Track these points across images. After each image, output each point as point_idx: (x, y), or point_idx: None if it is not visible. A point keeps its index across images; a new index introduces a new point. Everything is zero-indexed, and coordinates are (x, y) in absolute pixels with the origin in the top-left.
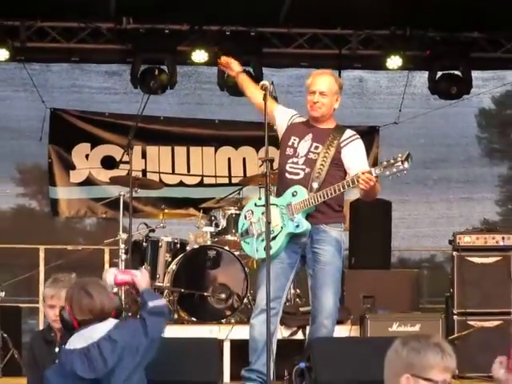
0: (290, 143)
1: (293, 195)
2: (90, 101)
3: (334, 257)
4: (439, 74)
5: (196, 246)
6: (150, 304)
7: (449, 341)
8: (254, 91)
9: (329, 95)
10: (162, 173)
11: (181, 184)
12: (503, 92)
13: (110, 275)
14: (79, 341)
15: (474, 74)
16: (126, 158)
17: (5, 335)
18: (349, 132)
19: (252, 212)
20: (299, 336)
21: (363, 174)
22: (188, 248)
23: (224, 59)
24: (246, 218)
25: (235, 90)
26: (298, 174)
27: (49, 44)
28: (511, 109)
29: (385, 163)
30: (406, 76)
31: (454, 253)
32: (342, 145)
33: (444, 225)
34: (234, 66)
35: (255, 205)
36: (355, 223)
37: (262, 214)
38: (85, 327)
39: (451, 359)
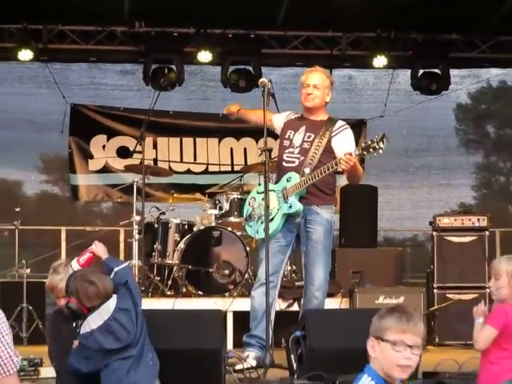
0: (286, 136)
1: (287, 180)
2: (106, 97)
3: (325, 236)
4: (421, 72)
5: (202, 227)
6: (116, 269)
7: (430, 312)
8: (253, 114)
9: (321, 88)
10: (171, 161)
11: (188, 171)
12: (478, 88)
13: (74, 264)
14: (94, 321)
15: (452, 72)
16: (138, 148)
17: (30, 307)
18: (340, 123)
19: (255, 199)
20: (295, 308)
21: (344, 155)
22: (195, 229)
23: (225, 110)
24: (249, 204)
25: (237, 87)
26: (293, 162)
27: (69, 45)
28: (486, 103)
29: (363, 145)
30: (391, 74)
31: (434, 233)
32: (332, 134)
33: (425, 208)
34: (232, 109)
35: (257, 192)
36: (345, 206)
37: (262, 199)
38: (92, 311)
39: (409, 323)
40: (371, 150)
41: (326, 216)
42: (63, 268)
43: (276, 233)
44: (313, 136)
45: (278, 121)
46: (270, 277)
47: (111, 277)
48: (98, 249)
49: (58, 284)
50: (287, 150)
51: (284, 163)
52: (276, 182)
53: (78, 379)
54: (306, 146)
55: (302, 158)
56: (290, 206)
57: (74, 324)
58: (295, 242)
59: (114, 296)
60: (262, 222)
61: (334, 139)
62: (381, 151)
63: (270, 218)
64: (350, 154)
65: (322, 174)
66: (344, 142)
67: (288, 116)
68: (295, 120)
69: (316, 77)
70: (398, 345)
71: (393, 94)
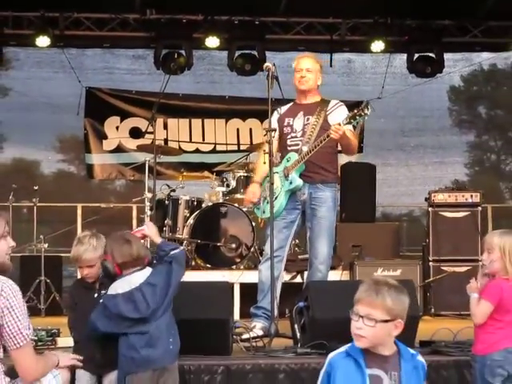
0: (285, 124)
1: (287, 160)
2: (119, 80)
3: (329, 212)
4: (416, 56)
5: (210, 204)
6: (172, 253)
7: (426, 284)
8: (261, 169)
9: (313, 71)
10: (181, 141)
11: (197, 151)
12: (470, 71)
13: None
14: (122, 286)
15: (446, 55)
16: (150, 129)
17: (48, 280)
18: (333, 101)
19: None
20: (298, 280)
21: (333, 125)
22: (203, 205)
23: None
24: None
25: (242, 71)
26: (297, 144)
27: (84, 32)
28: (477, 86)
29: (350, 114)
30: (388, 58)
31: (429, 208)
32: (328, 113)
33: (420, 184)
34: (251, 196)
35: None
36: (345, 183)
37: (267, 182)
38: (126, 274)
39: (366, 294)
40: (357, 117)
41: (330, 193)
42: (88, 239)
43: (281, 210)
44: (311, 117)
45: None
46: (276, 251)
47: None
48: (150, 231)
49: (82, 254)
50: (289, 136)
51: (288, 147)
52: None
53: (97, 346)
54: (306, 129)
55: (304, 139)
56: (291, 182)
57: (96, 294)
58: (300, 218)
59: (149, 269)
60: (267, 202)
61: (329, 116)
62: (366, 117)
63: (275, 196)
64: (339, 124)
65: (316, 147)
66: (340, 118)
67: (279, 112)
68: (289, 109)
69: (307, 61)
70: (352, 315)
71: (390, 77)
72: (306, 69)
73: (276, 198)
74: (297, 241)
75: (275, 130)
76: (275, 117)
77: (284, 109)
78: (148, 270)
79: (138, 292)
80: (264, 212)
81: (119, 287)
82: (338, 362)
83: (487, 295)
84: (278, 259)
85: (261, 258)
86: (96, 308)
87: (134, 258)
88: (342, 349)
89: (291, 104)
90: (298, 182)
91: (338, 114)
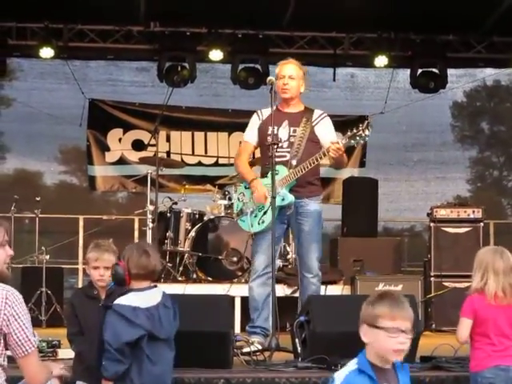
0: (269, 132)
1: (275, 174)
2: (122, 92)
3: (316, 226)
4: (419, 71)
5: (212, 217)
6: None
7: (427, 299)
8: (245, 164)
9: (296, 78)
10: (184, 154)
11: (199, 164)
12: (473, 87)
13: None
14: (140, 301)
15: (449, 71)
16: (153, 141)
17: (49, 292)
18: (317, 111)
19: (244, 194)
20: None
21: (332, 143)
22: (205, 218)
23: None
24: (239, 199)
25: (246, 84)
26: (284, 156)
27: (88, 44)
28: (480, 101)
29: (349, 133)
30: (391, 73)
31: (431, 224)
32: (313, 124)
33: (422, 200)
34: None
35: (245, 187)
36: (347, 198)
37: (252, 194)
38: (138, 287)
39: (399, 310)
40: (357, 137)
41: (316, 207)
42: (107, 242)
43: (270, 225)
44: (297, 129)
45: (254, 135)
46: (266, 268)
47: None
48: None
49: (103, 253)
50: (275, 146)
51: (273, 158)
52: (262, 177)
53: (97, 357)
54: (292, 139)
55: (292, 150)
56: (283, 199)
57: (101, 304)
58: (285, 232)
59: (159, 288)
60: (255, 216)
61: (316, 128)
62: (366, 138)
63: (263, 211)
64: (337, 143)
65: (311, 164)
66: (328, 130)
67: (259, 116)
68: (273, 116)
69: (290, 68)
70: (392, 331)
71: (393, 92)
72: (288, 76)
73: (265, 213)
74: None
75: (277, 144)
76: (256, 122)
77: (265, 114)
78: (159, 290)
79: (156, 311)
80: (252, 226)
81: (136, 300)
82: (353, 380)
83: (462, 312)
84: (268, 276)
85: None
86: (108, 324)
87: (149, 271)
88: (352, 366)
89: (274, 110)
90: (291, 198)
91: (325, 127)
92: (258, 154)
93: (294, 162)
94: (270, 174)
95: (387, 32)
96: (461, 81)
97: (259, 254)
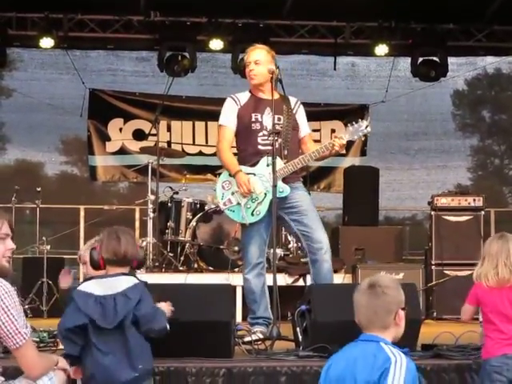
0: (253, 119)
1: (267, 165)
2: (123, 82)
3: (311, 204)
4: (420, 59)
5: (213, 206)
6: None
7: (428, 287)
8: (229, 152)
9: (262, 63)
10: (184, 144)
11: (200, 153)
12: (474, 75)
13: None
14: (98, 288)
15: (450, 59)
16: (153, 131)
17: (50, 282)
18: (293, 99)
19: (230, 182)
20: (300, 283)
21: (335, 139)
22: (206, 207)
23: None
24: (223, 188)
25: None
26: (271, 145)
27: (88, 34)
28: (481, 90)
29: (351, 129)
30: (392, 61)
31: (432, 212)
32: (294, 111)
33: (423, 188)
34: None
35: (229, 175)
36: (348, 187)
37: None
38: (110, 274)
39: None
40: (360, 132)
41: (302, 188)
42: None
43: (266, 216)
44: (282, 117)
45: (233, 119)
46: (260, 258)
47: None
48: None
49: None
50: (260, 134)
51: (260, 147)
52: (250, 165)
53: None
54: (278, 127)
55: (280, 140)
56: (282, 191)
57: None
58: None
59: (132, 279)
60: (248, 207)
61: (296, 116)
62: (369, 134)
63: (258, 202)
64: (341, 138)
65: (312, 158)
66: (304, 118)
67: (236, 102)
68: (251, 101)
69: (257, 53)
70: None
71: (394, 81)
72: (254, 61)
73: (260, 204)
74: (299, 244)
75: (279, 133)
76: (233, 107)
77: (242, 99)
78: (131, 281)
79: (111, 300)
80: (246, 217)
81: (95, 287)
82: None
83: (467, 298)
84: (262, 266)
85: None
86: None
87: (119, 257)
88: (395, 349)
89: (249, 96)
90: (287, 190)
91: (302, 115)
92: None
93: (285, 152)
94: (261, 163)
95: (388, 21)
96: (461, 69)
97: (252, 244)
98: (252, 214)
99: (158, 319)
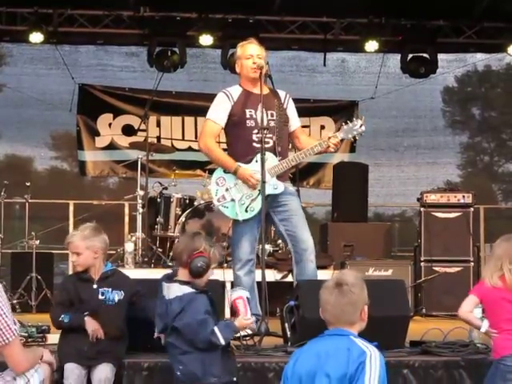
0: (247, 116)
1: (258, 161)
2: (112, 77)
3: (299, 204)
4: (410, 56)
5: (202, 202)
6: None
7: (417, 284)
8: (217, 148)
9: (262, 58)
10: (174, 139)
11: (190, 149)
12: (464, 72)
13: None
14: (165, 289)
15: (440, 56)
16: (143, 127)
17: (39, 277)
18: (282, 92)
19: (224, 179)
20: (289, 279)
21: (329, 139)
22: (195, 203)
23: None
24: (218, 184)
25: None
26: (267, 142)
27: (77, 29)
28: (471, 86)
29: (345, 127)
30: (382, 58)
31: (422, 209)
32: (284, 106)
33: (413, 185)
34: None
35: (224, 172)
36: (337, 183)
37: (237, 180)
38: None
39: None
40: (354, 131)
41: (291, 188)
42: (83, 227)
43: (259, 213)
44: (274, 113)
45: (223, 116)
46: (250, 255)
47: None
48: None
49: (69, 238)
50: (255, 131)
51: (255, 144)
52: (242, 162)
53: (85, 338)
54: (272, 124)
55: (274, 137)
56: (276, 188)
57: (96, 286)
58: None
59: (187, 288)
60: (242, 204)
61: (287, 110)
62: (362, 134)
63: (252, 198)
64: (336, 137)
65: (306, 156)
66: (294, 112)
67: (229, 97)
68: (244, 97)
69: (256, 47)
70: None
71: (383, 77)
72: (256, 55)
73: (254, 200)
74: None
75: (268, 129)
76: (225, 102)
77: (235, 95)
78: (181, 290)
79: (167, 303)
80: (240, 213)
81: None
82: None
83: (470, 290)
84: (252, 263)
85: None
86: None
87: (175, 256)
88: (367, 343)
89: (241, 91)
90: (282, 187)
91: (292, 109)
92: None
93: (278, 149)
94: (255, 160)
95: (378, 17)
96: (451, 66)
97: (243, 241)
98: (246, 211)
99: (199, 332)
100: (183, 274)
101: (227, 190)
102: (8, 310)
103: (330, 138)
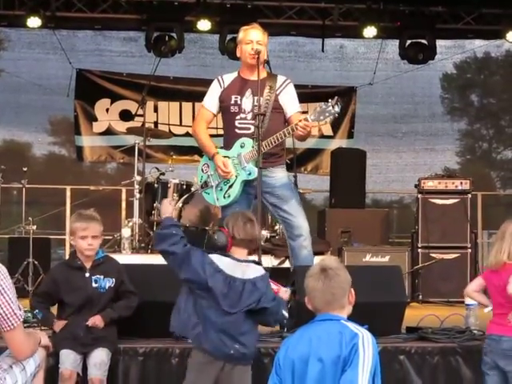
0: (232, 102)
1: (241, 147)
2: (110, 62)
3: (289, 190)
4: (408, 42)
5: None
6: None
7: (414, 270)
8: (205, 134)
9: (263, 44)
10: (171, 124)
11: (187, 134)
12: (463, 58)
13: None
14: (230, 267)
15: (438, 42)
16: (140, 112)
17: (36, 262)
18: (281, 78)
19: (208, 165)
20: (286, 264)
21: (300, 121)
22: (192, 189)
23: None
24: (203, 171)
25: (234, 55)
26: (248, 128)
27: (75, 14)
28: (470, 73)
29: (318, 109)
30: (380, 44)
31: (419, 195)
32: (277, 92)
33: (411, 171)
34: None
35: (208, 158)
36: (335, 169)
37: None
38: (237, 258)
39: None
40: (327, 113)
41: (283, 173)
42: (91, 212)
43: (237, 199)
44: (261, 99)
45: (216, 100)
46: None
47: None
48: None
49: (90, 222)
50: (238, 117)
51: (237, 130)
52: (227, 148)
53: (81, 324)
54: (256, 110)
55: (260, 123)
56: (250, 173)
57: (88, 274)
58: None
59: (260, 269)
60: (220, 189)
61: (280, 96)
62: (336, 115)
63: (229, 184)
64: (306, 120)
65: (278, 140)
66: (291, 99)
67: (220, 83)
68: (235, 83)
69: (257, 33)
70: None
71: (382, 63)
72: (256, 41)
73: (231, 186)
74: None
75: (264, 115)
76: (217, 89)
77: (227, 81)
78: (259, 271)
79: (240, 285)
80: (218, 199)
81: (227, 266)
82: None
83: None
84: None
85: None
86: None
87: (248, 239)
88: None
89: (235, 77)
90: (254, 172)
91: (288, 95)
92: None
93: (262, 135)
94: (236, 146)
95: (376, 3)
96: (450, 52)
97: None
98: (224, 197)
99: (279, 312)
100: (244, 253)
101: (209, 176)
102: (13, 295)
103: (300, 120)
